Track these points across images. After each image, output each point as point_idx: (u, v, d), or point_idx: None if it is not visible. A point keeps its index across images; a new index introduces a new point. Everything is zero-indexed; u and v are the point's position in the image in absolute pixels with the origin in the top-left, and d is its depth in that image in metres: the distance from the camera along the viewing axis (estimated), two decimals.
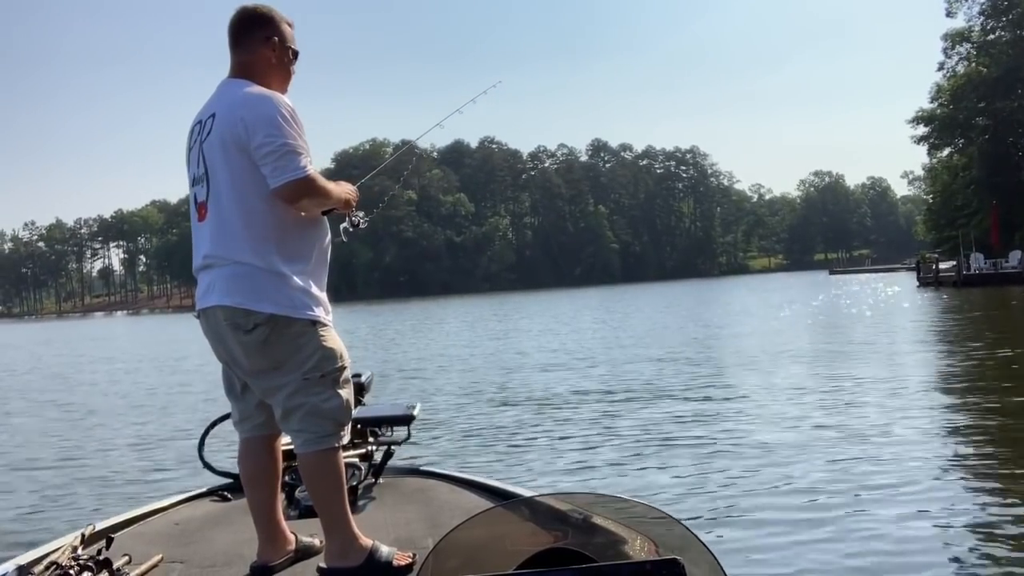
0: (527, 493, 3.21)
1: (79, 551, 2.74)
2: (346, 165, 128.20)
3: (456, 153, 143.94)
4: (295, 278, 2.71)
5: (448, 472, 4.01)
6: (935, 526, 5.30)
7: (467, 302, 70.33)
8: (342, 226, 3.08)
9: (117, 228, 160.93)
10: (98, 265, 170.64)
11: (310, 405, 2.71)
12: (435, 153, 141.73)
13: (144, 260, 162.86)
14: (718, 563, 1.92)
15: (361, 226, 3.13)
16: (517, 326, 32.54)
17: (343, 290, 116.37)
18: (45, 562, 2.60)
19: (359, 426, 3.90)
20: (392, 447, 3.98)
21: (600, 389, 12.74)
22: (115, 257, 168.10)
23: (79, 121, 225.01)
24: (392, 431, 4.05)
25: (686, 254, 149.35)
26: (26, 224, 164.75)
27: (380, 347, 24.69)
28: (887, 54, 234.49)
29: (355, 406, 3.98)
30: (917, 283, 51.11)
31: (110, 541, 2.85)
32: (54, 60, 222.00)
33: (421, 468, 4.14)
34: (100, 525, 3.20)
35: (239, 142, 2.66)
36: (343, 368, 2.80)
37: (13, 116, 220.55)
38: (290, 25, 2.92)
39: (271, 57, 2.85)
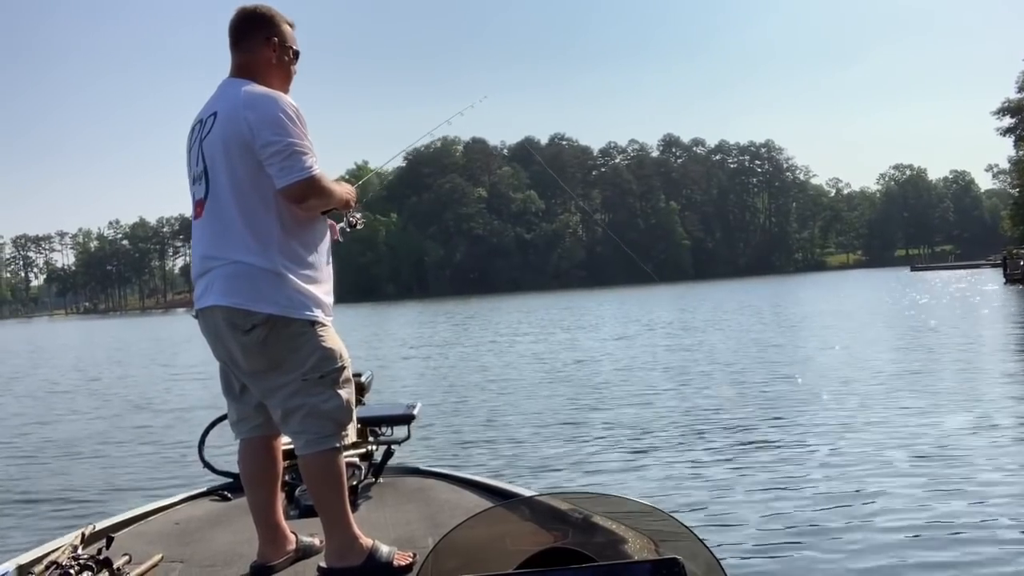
0: (527, 493, 3.18)
1: (79, 550, 2.75)
2: (417, 163, 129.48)
3: (526, 150, 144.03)
4: (294, 278, 2.68)
5: (448, 472, 4.00)
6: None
7: (533, 300, 70.14)
8: (339, 225, 3.08)
9: None
10: (180, 262, 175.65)
11: (309, 406, 2.68)
12: (505, 150, 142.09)
13: None
14: (718, 563, 1.89)
15: (358, 227, 3.17)
16: (553, 327, 32.30)
17: (414, 288, 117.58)
18: (45, 562, 2.61)
19: (359, 426, 3.92)
20: (392, 447, 3.98)
21: (612, 391, 12.63)
22: None
23: (162, 123, 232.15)
24: (392, 431, 4.04)
25: (760, 250, 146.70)
26: (111, 223, 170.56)
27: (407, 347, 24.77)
28: (970, 43, 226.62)
29: (355, 405, 3.98)
30: (1004, 280, 49.12)
31: (110, 541, 2.86)
32: (141, 61, 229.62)
33: (421, 468, 4.14)
34: (100, 525, 3.23)
35: (243, 142, 2.65)
36: (343, 368, 2.76)
37: (101, 118, 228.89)
38: (291, 25, 2.92)
39: (271, 57, 2.85)
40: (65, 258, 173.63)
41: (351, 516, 2.76)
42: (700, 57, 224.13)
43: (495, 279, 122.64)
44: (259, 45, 2.84)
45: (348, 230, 3.14)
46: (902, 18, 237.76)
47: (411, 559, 2.74)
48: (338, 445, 2.73)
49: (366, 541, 2.74)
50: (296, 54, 2.93)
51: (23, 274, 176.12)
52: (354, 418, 2.83)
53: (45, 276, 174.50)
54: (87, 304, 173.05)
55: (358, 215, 3.13)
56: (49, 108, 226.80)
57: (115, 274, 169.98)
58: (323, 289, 2.80)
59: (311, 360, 2.70)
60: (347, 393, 2.77)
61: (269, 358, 2.68)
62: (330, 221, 2.94)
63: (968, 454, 7.12)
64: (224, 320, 2.69)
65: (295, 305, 2.68)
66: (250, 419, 2.88)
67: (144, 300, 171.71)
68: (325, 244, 2.86)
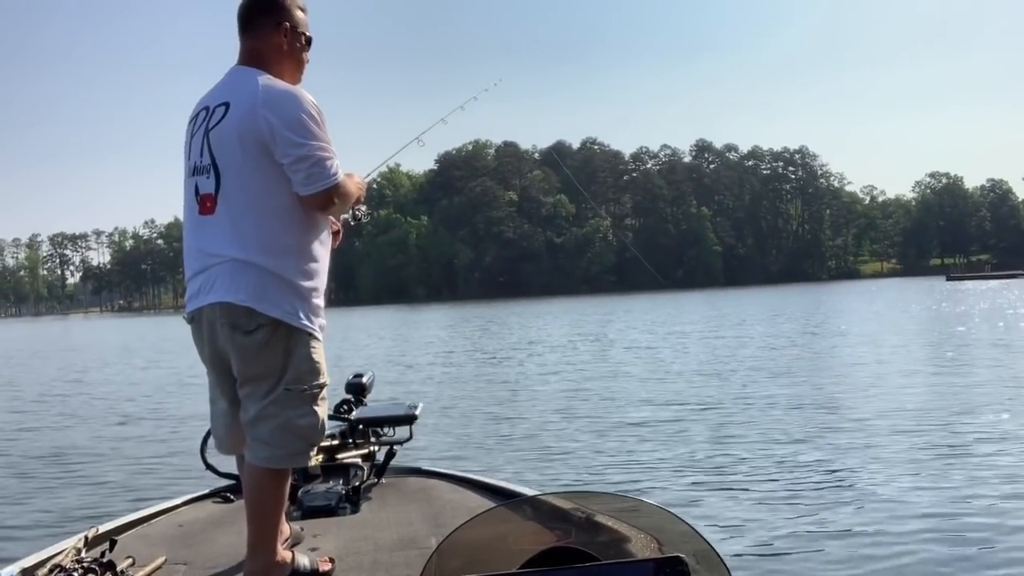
0: (530, 492, 3.18)
1: (82, 553, 2.75)
2: (449, 166, 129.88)
3: (557, 154, 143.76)
4: (301, 285, 2.62)
5: (451, 472, 3.99)
6: None
7: (560, 304, 69.91)
8: (344, 217, 3.04)
9: None
10: None
11: (284, 418, 2.60)
12: (536, 154, 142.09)
13: None
14: (722, 561, 1.88)
15: (363, 220, 3.12)
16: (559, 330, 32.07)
17: (443, 290, 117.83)
18: (48, 565, 2.61)
19: (361, 426, 3.93)
20: (394, 447, 3.98)
21: (615, 392, 12.62)
22: None
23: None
24: (394, 431, 4.04)
25: (793, 258, 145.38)
26: (146, 222, 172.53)
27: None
28: (1008, 49, 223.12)
29: (356, 406, 3.99)
30: None
31: (113, 543, 2.86)
32: (178, 59, 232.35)
33: (423, 468, 4.13)
34: (103, 527, 3.22)
35: (262, 142, 2.55)
36: (324, 385, 2.70)
37: (140, 117, 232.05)
38: (303, 10, 2.79)
39: (282, 44, 2.73)
40: (101, 256, 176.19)
41: (278, 537, 2.70)
42: (735, 62, 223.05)
43: (525, 283, 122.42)
44: (269, 31, 2.72)
45: (352, 223, 3.11)
46: (938, 24, 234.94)
47: (330, 565, 2.72)
48: (298, 465, 2.72)
49: (286, 555, 2.69)
50: (309, 40, 2.82)
51: (60, 272, 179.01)
52: (321, 440, 2.79)
53: (81, 274, 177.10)
54: (122, 302, 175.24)
55: (363, 207, 3.09)
56: (89, 108, 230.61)
57: (150, 273, 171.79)
58: (321, 300, 2.73)
59: (298, 371, 2.63)
60: (322, 412, 2.71)
61: (265, 364, 2.60)
62: (330, 218, 2.87)
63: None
64: (225, 320, 2.59)
65: (299, 313, 2.62)
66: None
67: (178, 299, 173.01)
68: (328, 254, 2.80)
